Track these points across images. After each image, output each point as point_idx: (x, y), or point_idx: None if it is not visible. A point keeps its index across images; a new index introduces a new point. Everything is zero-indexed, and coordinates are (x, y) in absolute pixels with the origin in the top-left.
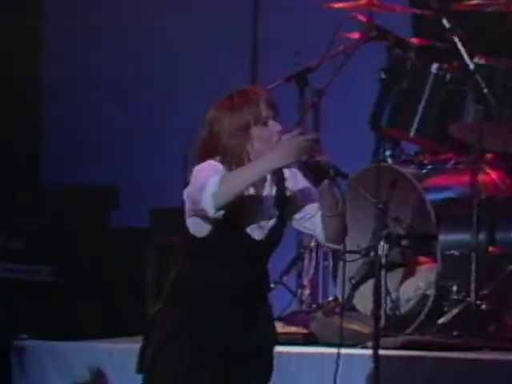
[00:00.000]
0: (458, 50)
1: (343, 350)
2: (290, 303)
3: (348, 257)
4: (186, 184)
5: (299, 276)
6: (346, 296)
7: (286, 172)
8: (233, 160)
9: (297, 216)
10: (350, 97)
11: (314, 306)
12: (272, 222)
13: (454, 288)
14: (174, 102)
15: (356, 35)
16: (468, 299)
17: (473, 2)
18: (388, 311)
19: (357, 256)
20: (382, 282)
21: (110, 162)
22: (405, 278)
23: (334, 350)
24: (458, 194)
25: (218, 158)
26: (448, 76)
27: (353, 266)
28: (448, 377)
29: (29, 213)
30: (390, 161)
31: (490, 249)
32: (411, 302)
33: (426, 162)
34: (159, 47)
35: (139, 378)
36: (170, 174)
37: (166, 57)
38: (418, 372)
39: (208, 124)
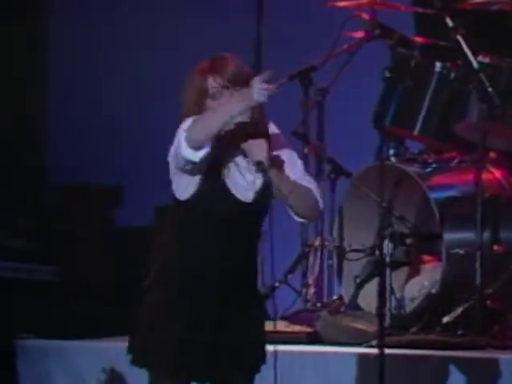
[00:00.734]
0: (461, 48)
1: (348, 349)
2: (295, 302)
3: (353, 256)
4: None
5: (304, 275)
6: (350, 295)
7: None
8: None
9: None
10: (353, 95)
11: (319, 304)
12: (258, 184)
13: (459, 287)
14: (177, 101)
15: (360, 34)
16: (473, 298)
17: (476, 1)
18: (393, 310)
19: (361, 255)
20: (387, 280)
21: (115, 161)
22: (409, 276)
23: (338, 349)
24: (462, 193)
25: None
26: (452, 75)
27: (357, 265)
28: (453, 376)
29: (31, 211)
30: (393, 159)
31: (495, 247)
32: (416, 301)
33: (430, 160)
34: (162, 47)
35: (144, 375)
36: None
37: (169, 56)
38: (422, 371)
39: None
